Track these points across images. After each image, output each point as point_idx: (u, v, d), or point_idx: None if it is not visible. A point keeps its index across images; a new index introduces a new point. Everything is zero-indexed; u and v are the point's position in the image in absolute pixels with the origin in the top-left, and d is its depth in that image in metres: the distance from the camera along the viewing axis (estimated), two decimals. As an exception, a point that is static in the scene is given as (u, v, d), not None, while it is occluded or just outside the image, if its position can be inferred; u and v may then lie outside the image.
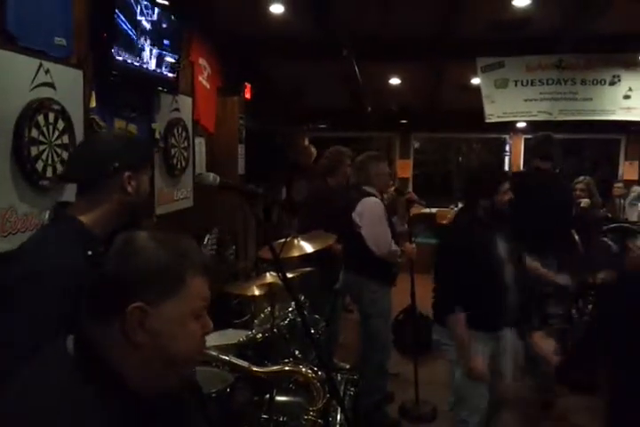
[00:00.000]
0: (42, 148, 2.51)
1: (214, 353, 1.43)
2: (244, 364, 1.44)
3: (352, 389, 2.06)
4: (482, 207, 2.71)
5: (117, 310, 0.94)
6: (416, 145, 9.63)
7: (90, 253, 1.33)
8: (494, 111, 5.67)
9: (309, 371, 1.44)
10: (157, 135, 3.78)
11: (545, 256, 3.39)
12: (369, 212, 3.49)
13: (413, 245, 3.71)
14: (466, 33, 5.17)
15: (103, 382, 0.93)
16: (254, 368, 1.43)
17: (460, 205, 7.46)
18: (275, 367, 1.46)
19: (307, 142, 8.31)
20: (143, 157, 1.68)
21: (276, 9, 4.55)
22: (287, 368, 1.47)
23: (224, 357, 1.43)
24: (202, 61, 4.68)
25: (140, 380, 0.96)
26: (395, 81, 7.10)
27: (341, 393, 1.90)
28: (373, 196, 3.58)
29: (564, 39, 5.19)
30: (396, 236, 3.62)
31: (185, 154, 4.22)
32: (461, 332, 2.58)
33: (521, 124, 7.79)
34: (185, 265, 0.99)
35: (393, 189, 4.01)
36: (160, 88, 3.67)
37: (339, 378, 1.64)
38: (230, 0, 4.37)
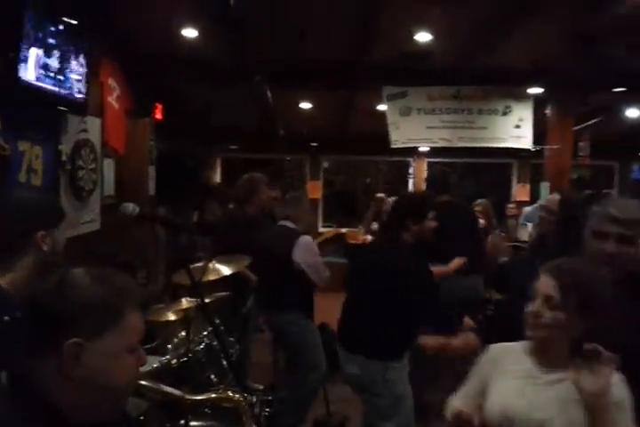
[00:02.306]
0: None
1: (148, 384, 1.44)
2: (178, 393, 1.46)
3: (267, 409, 2.09)
4: (410, 231, 2.76)
5: (53, 345, 0.94)
6: (325, 165, 9.88)
7: (7, 318, 1.33)
8: (399, 137, 5.95)
9: (238, 396, 1.47)
10: (64, 157, 3.66)
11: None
12: (311, 251, 3.55)
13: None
14: (373, 62, 5.43)
15: (39, 414, 0.93)
16: (187, 397, 1.45)
17: (376, 226, 7.69)
18: (207, 395, 1.49)
19: (218, 163, 8.32)
20: (55, 214, 1.68)
21: (189, 33, 4.57)
22: (219, 395, 1.50)
23: (158, 387, 1.44)
24: (111, 82, 4.60)
25: (75, 412, 0.97)
26: (306, 105, 7.28)
27: (258, 414, 1.94)
28: (302, 233, 3.61)
29: (462, 72, 5.57)
30: None
31: (93, 176, 4.11)
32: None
33: (424, 149, 8.21)
34: (121, 300, 1.01)
35: None
36: (67, 109, 3.58)
37: (254, 400, 1.67)
38: (142, 21, 4.35)
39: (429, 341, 1.90)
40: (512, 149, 6.23)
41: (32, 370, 0.96)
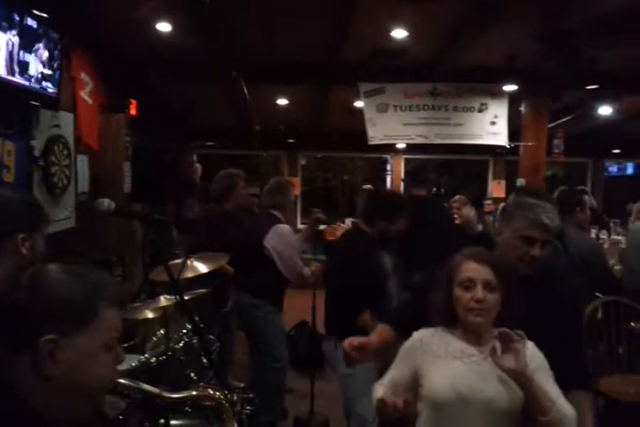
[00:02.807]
0: None
1: (125, 381, 1.41)
2: (156, 391, 1.44)
3: (248, 408, 2.08)
4: (378, 229, 2.97)
5: (28, 342, 0.92)
6: (302, 162, 9.87)
7: None
8: (376, 134, 5.97)
9: (219, 394, 1.46)
10: (36, 153, 3.59)
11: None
12: (286, 238, 3.52)
13: (318, 264, 3.79)
14: (350, 59, 5.43)
15: (13, 412, 0.91)
16: (166, 394, 1.43)
17: (348, 222, 7.68)
18: (186, 393, 1.47)
19: (194, 159, 8.23)
20: (37, 217, 1.63)
21: (163, 27, 4.51)
22: (199, 393, 1.48)
23: (135, 385, 1.42)
24: (84, 76, 4.52)
25: (51, 410, 0.95)
26: (282, 101, 7.26)
27: (239, 412, 1.92)
28: (282, 220, 3.62)
29: (438, 69, 5.60)
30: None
31: (66, 172, 4.03)
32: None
33: (401, 146, 8.26)
34: (97, 297, 0.99)
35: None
36: (38, 103, 3.51)
37: (235, 398, 1.66)
38: (114, 15, 4.28)
39: (345, 343, 1.93)
40: (488, 145, 6.30)
41: (6, 367, 0.94)
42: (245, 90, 6.07)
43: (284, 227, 3.59)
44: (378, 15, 4.35)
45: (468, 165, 11.54)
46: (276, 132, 8.66)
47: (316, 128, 8.51)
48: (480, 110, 5.98)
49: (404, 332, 1.88)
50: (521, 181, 6.07)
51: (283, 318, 3.75)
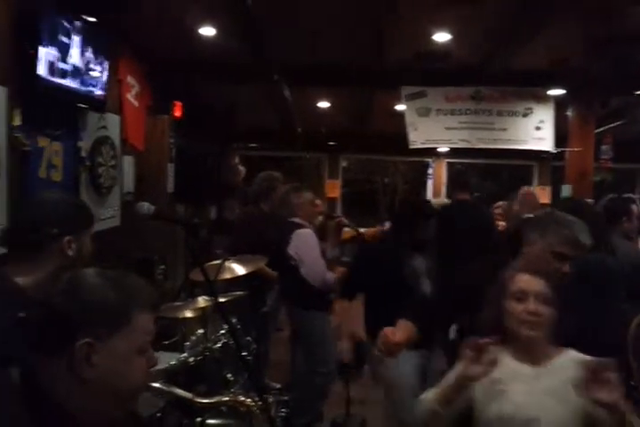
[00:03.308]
0: (-39, 166, 2.43)
1: (159, 385, 1.44)
2: (188, 395, 1.46)
3: (283, 410, 2.08)
4: (405, 235, 3.00)
5: (64, 346, 0.95)
6: (344, 164, 9.87)
7: (22, 314, 1.34)
8: (417, 138, 5.91)
9: (250, 401, 1.47)
10: (84, 154, 3.70)
11: None
12: (304, 245, 3.53)
13: (343, 268, 3.71)
14: (391, 62, 5.40)
15: (48, 414, 0.93)
16: (197, 399, 1.45)
17: (387, 225, 7.67)
18: (217, 399, 1.49)
19: (237, 160, 8.33)
20: (84, 220, 1.67)
21: (207, 31, 4.58)
22: (230, 399, 1.50)
23: (169, 389, 1.44)
24: (130, 79, 4.63)
25: (85, 412, 0.97)
26: (324, 104, 7.28)
27: (273, 415, 1.93)
28: (302, 226, 3.63)
29: (481, 72, 5.51)
30: (327, 262, 3.67)
31: (112, 172, 4.14)
32: None
33: (443, 149, 8.16)
34: (131, 301, 1.01)
35: (322, 215, 4.09)
36: (86, 106, 3.61)
37: (270, 400, 1.67)
38: (160, 19, 4.36)
39: (387, 333, 1.95)
40: (533, 150, 6.16)
41: (43, 369, 0.96)
42: (287, 93, 6.11)
43: (303, 231, 3.58)
44: (420, 18, 4.31)
45: (512, 169, 11.31)
46: (317, 135, 8.68)
47: (357, 131, 8.49)
48: (525, 115, 5.85)
49: (423, 329, 1.91)
50: (567, 188, 5.91)
51: (329, 323, 3.74)
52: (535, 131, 5.89)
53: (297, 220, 3.67)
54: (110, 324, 0.98)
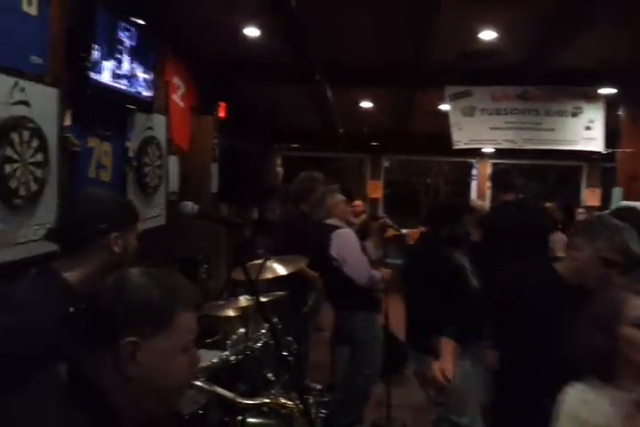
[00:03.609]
0: (15, 166, 2.49)
1: (202, 384, 1.45)
2: (230, 395, 1.48)
3: (323, 411, 2.08)
4: (443, 232, 3.03)
5: (110, 344, 0.97)
6: (386, 164, 9.82)
7: (72, 309, 1.38)
8: (461, 138, 5.82)
9: (291, 403, 1.47)
10: (131, 154, 3.78)
11: None
12: (345, 245, 3.54)
13: (389, 270, 3.76)
14: (436, 61, 5.33)
15: (96, 410, 0.95)
16: (239, 400, 1.46)
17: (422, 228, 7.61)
18: (259, 400, 1.50)
19: (279, 162, 8.40)
20: (130, 217, 1.70)
21: (251, 32, 4.63)
22: (271, 401, 1.50)
23: (211, 388, 1.46)
24: (176, 80, 4.72)
25: (129, 409, 0.99)
26: (366, 104, 7.25)
27: (313, 416, 1.93)
28: (339, 227, 3.64)
29: (528, 71, 5.39)
30: (370, 262, 3.66)
31: (158, 172, 4.22)
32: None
33: (488, 150, 8.01)
34: (175, 300, 1.03)
35: (364, 215, 4.09)
36: (134, 107, 3.69)
37: (311, 400, 1.67)
38: (205, 21, 4.43)
39: (437, 372, 1.99)
40: (581, 151, 5.99)
41: (90, 366, 0.99)
42: (329, 93, 6.11)
43: (343, 231, 3.58)
44: (465, 16, 4.24)
45: (559, 171, 11.02)
46: (359, 135, 8.66)
47: (399, 131, 8.42)
48: (574, 114, 5.69)
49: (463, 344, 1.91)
50: (618, 191, 5.71)
51: (378, 325, 3.73)
52: (585, 131, 5.72)
53: (333, 221, 3.68)
54: (155, 323, 0.99)
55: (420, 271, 3.01)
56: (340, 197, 3.83)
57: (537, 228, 4.14)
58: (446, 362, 2.05)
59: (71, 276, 1.54)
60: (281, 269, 2.68)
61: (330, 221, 3.70)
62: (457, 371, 2.59)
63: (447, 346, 2.09)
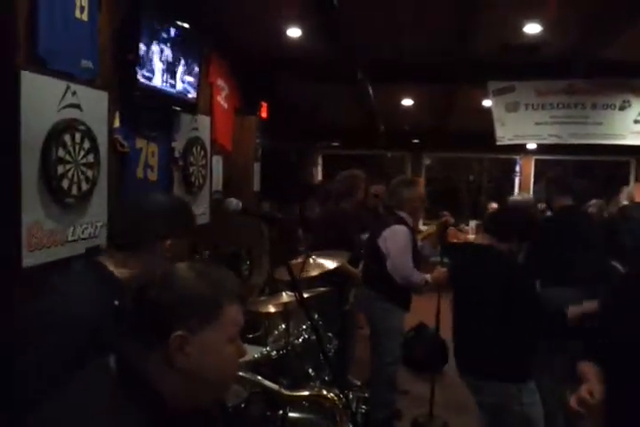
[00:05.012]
0: (68, 166, 2.60)
1: (247, 375, 1.50)
2: (275, 387, 1.51)
3: (363, 407, 2.10)
4: (510, 246, 2.70)
5: (160, 337, 1.00)
6: (427, 162, 9.74)
7: (117, 302, 1.42)
8: (505, 134, 5.73)
9: (333, 396, 1.50)
10: (177, 154, 3.88)
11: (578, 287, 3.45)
12: (393, 241, 3.51)
13: (444, 270, 3.56)
14: (478, 57, 5.26)
15: (145, 400, 0.99)
16: (284, 392, 1.49)
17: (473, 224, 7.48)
18: (303, 393, 1.53)
19: (320, 160, 8.44)
20: (186, 224, 1.69)
21: (294, 33, 4.67)
22: (315, 394, 1.53)
23: (257, 380, 1.50)
24: (220, 82, 4.80)
25: (178, 399, 1.02)
26: (407, 102, 7.21)
27: (354, 411, 1.96)
28: (404, 220, 3.60)
29: (574, 64, 5.26)
30: (420, 261, 3.63)
31: (203, 172, 4.31)
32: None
33: (531, 146, 7.86)
34: (221, 294, 1.05)
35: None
36: (180, 108, 3.78)
37: (351, 396, 1.69)
38: (248, 22, 4.50)
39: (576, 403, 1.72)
40: (630, 145, 5.80)
41: (139, 359, 1.02)
42: (371, 91, 6.10)
43: (398, 228, 3.54)
44: (509, 10, 4.18)
45: (607, 166, 10.69)
46: (400, 133, 8.61)
47: (441, 128, 8.34)
48: (622, 108, 5.52)
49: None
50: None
51: (403, 318, 3.71)
52: (634, 124, 5.55)
53: (400, 213, 3.64)
54: (203, 316, 1.02)
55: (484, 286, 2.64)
56: (415, 192, 3.71)
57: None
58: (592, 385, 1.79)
59: (119, 272, 1.57)
60: (322, 266, 2.71)
61: (398, 213, 3.65)
62: (527, 398, 2.49)
63: (590, 369, 1.84)
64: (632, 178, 8.87)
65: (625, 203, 7.09)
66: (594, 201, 5.40)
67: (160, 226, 1.59)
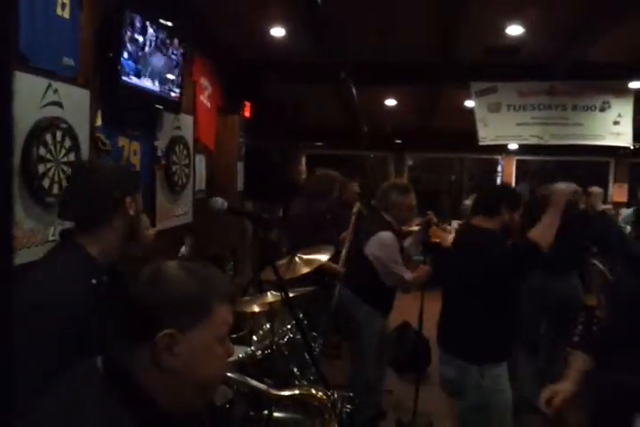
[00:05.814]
0: (49, 165, 2.56)
1: (235, 376, 1.49)
2: (263, 387, 1.50)
3: (348, 406, 2.10)
4: (503, 220, 2.69)
5: (148, 337, 0.98)
6: (410, 162, 9.79)
7: (94, 281, 1.42)
8: (487, 134, 5.78)
9: (322, 394, 1.50)
10: (159, 153, 3.85)
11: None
12: (384, 251, 3.45)
13: (428, 267, 3.59)
14: (461, 58, 5.30)
15: (133, 401, 0.97)
16: (273, 392, 1.48)
17: (456, 224, 7.52)
18: (291, 391, 1.52)
19: (303, 160, 8.43)
20: (135, 180, 1.74)
21: (277, 32, 4.66)
22: (304, 392, 1.53)
23: (245, 380, 1.49)
24: (203, 81, 4.78)
25: (166, 400, 1.01)
26: (391, 102, 7.24)
27: (339, 410, 1.95)
28: (389, 224, 3.56)
29: (555, 66, 5.32)
30: (409, 261, 3.62)
31: (186, 171, 4.29)
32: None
33: (513, 146, 7.94)
34: (212, 293, 1.03)
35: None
36: (163, 107, 3.75)
37: (335, 396, 1.69)
38: (232, 22, 4.48)
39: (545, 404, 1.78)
40: (609, 146, 5.89)
41: (127, 359, 1.00)
42: (354, 91, 6.11)
43: (384, 235, 3.50)
44: (492, 11, 4.22)
45: (587, 166, 10.84)
46: (383, 133, 8.65)
47: (423, 128, 8.40)
48: (602, 109, 5.61)
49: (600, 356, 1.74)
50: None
51: (385, 320, 3.71)
52: (613, 125, 5.63)
53: (387, 216, 3.60)
54: (192, 315, 1.00)
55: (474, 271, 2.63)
56: (407, 199, 3.63)
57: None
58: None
59: (92, 248, 1.56)
60: (311, 262, 2.70)
61: (385, 215, 3.62)
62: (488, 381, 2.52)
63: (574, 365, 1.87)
64: (611, 179, 9.02)
65: (604, 207, 7.16)
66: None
67: (115, 189, 1.61)
